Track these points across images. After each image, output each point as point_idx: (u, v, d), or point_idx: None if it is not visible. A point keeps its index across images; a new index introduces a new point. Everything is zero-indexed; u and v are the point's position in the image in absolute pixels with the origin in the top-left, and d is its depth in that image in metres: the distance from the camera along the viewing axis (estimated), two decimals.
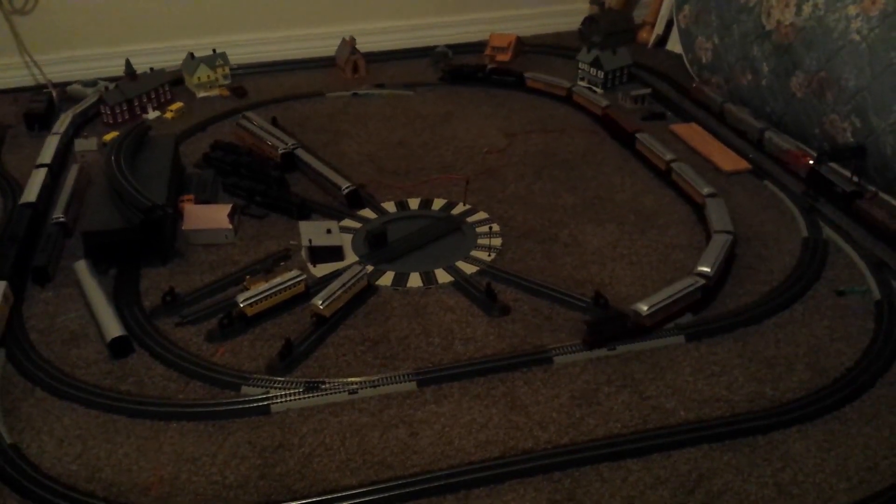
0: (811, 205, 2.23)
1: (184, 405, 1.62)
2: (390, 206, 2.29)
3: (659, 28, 3.43)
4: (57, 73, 3.09)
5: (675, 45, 3.27)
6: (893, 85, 2.13)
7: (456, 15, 3.51)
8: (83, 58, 3.16)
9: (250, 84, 3.09)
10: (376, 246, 2.09)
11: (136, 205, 1.99)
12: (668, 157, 2.38)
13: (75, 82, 3.01)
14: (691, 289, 1.81)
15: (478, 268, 2.02)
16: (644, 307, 1.74)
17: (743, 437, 1.52)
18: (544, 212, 2.26)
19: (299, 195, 2.30)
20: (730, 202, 2.20)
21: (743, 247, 2.06)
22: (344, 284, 1.86)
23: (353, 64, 3.15)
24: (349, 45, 3.16)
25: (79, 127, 2.76)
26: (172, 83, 2.97)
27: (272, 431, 1.56)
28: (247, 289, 1.86)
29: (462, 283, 1.96)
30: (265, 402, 1.61)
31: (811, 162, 2.33)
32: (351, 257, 2.07)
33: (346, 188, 2.29)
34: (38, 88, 3.05)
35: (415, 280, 1.98)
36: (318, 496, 1.42)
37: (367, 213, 2.27)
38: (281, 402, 1.61)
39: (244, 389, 1.65)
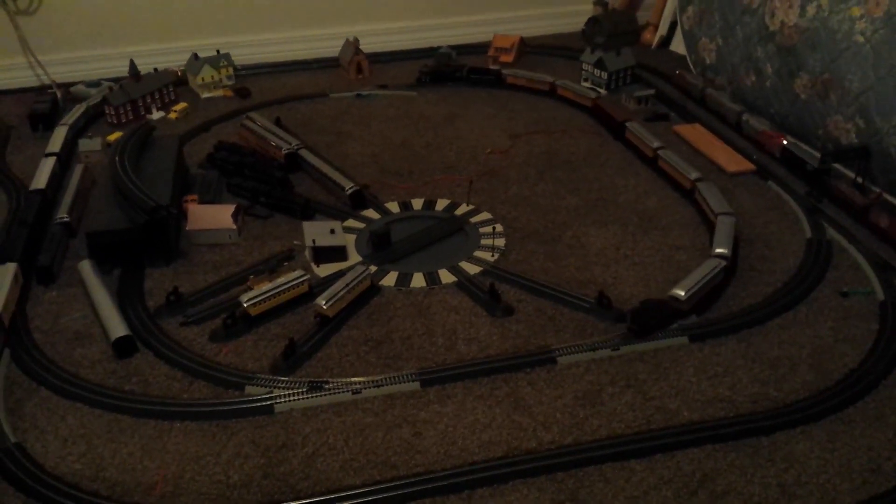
0: (815, 206, 2.23)
1: (188, 405, 1.62)
2: (394, 207, 2.29)
3: (662, 29, 3.43)
4: (61, 73, 3.10)
5: (678, 46, 3.28)
6: None
7: (459, 16, 3.52)
8: (87, 58, 3.17)
9: (254, 85, 3.10)
10: (380, 246, 2.09)
11: (140, 205, 1.99)
12: (655, 144, 2.45)
13: (79, 83, 3.02)
14: (717, 269, 1.88)
15: (481, 268, 2.02)
16: (681, 292, 1.80)
17: (746, 437, 1.52)
18: (547, 213, 2.26)
19: (303, 195, 2.31)
20: (733, 203, 2.20)
21: (747, 248, 2.06)
22: (347, 284, 1.86)
23: (356, 65, 3.16)
24: (353, 45, 3.16)
25: (90, 119, 2.80)
26: (176, 84, 2.98)
27: (276, 431, 1.56)
28: (250, 289, 1.86)
29: (465, 284, 1.96)
30: (269, 402, 1.61)
31: (784, 142, 2.45)
32: (354, 257, 2.08)
33: (350, 188, 2.29)
34: (42, 89, 3.07)
35: (418, 280, 1.98)
36: (322, 496, 1.42)
37: (371, 213, 2.27)
38: (284, 401, 1.61)
39: (248, 389, 1.65)
